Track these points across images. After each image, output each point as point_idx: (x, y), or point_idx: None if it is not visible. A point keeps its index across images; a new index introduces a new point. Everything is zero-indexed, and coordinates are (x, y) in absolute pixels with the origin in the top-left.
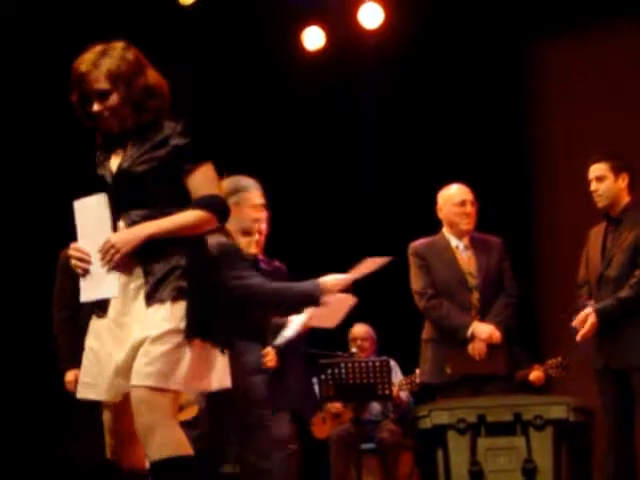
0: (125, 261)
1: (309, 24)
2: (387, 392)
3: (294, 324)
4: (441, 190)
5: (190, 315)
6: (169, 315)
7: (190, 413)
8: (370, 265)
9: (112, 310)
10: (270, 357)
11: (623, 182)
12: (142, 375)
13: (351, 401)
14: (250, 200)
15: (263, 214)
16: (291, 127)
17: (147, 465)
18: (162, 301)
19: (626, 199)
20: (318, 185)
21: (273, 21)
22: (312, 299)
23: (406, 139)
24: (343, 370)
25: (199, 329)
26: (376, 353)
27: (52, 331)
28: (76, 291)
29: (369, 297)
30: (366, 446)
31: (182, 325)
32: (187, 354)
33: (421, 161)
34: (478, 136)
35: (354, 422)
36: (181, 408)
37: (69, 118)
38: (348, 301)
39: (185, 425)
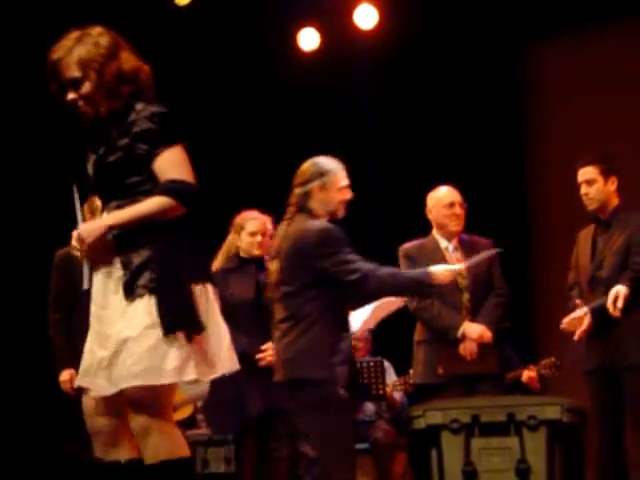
0: (104, 253)
1: (304, 25)
2: (381, 392)
3: (355, 321)
4: (430, 192)
5: (164, 308)
6: (148, 309)
7: (185, 413)
8: (477, 259)
9: (93, 303)
10: (272, 352)
11: (612, 185)
12: (131, 376)
13: None
14: (336, 183)
15: (349, 196)
16: (287, 127)
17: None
18: (141, 295)
19: (615, 202)
20: None
21: (269, 22)
22: (422, 286)
23: (402, 140)
24: None
25: (176, 321)
26: (370, 353)
27: (48, 332)
28: (71, 291)
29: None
30: (360, 446)
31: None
32: (172, 346)
33: (417, 162)
34: (474, 137)
35: None
36: (174, 408)
37: (67, 118)
38: (395, 303)
39: (180, 425)
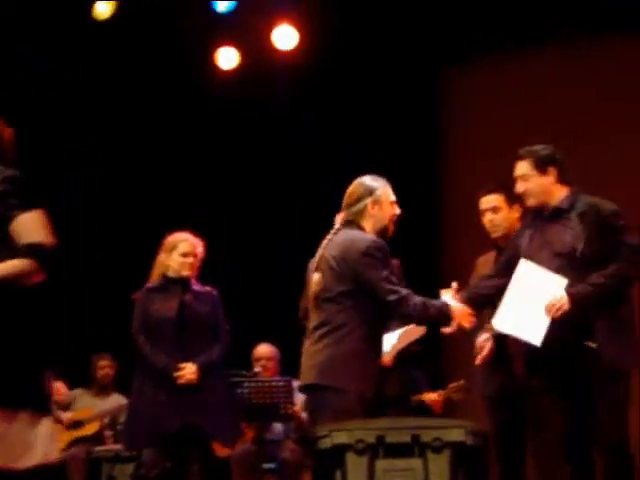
0: None
1: (223, 44)
2: (289, 412)
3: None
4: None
5: (9, 382)
6: None
7: (92, 429)
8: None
9: None
10: (191, 371)
11: (517, 212)
12: None
13: (254, 420)
14: (389, 197)
15: (398, 211)
16: (205, 143)
17: None
18: None
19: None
20: (229, 200)
21: (188, 39)
22: (446, 319)
23: (319, 157)
24: (246, 390)
25: (12, 395)
26: (279, 373)
27: None
28: None
29: (271, 317)
30: (268, 466)
31: None
32: None
33: (333, 180)
34: (390, 157)
35: (256, 441)
36: (82, 424)
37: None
38: (418, 332)
39: (85, 440)
